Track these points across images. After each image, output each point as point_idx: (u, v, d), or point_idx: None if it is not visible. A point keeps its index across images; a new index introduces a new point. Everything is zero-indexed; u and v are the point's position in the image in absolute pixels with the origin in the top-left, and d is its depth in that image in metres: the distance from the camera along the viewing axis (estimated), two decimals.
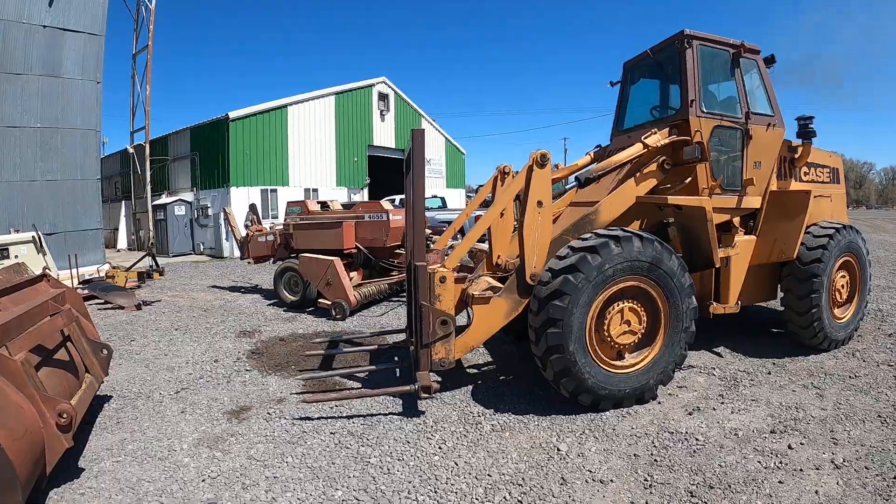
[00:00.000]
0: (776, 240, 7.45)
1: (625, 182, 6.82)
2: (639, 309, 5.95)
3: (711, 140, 7.09)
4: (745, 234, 7.58)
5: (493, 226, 7.01)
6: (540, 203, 5.93)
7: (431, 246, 8.71)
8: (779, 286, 7.91)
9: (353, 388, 6.11)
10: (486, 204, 8.62)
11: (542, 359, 5.74)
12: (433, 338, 5.63)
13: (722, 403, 5.97)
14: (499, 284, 6.45)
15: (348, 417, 5.72)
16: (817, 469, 4.57)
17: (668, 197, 6.76)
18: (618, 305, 5.85)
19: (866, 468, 4.58)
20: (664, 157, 6.92)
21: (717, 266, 6.94)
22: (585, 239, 5.77)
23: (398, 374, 6.60)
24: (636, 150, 6.79)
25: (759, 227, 7.58)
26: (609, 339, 5.85)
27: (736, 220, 7.48)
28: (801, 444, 5.01)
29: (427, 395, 5.60)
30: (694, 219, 6.72)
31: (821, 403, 5.93)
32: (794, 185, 8.10)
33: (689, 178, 7.09)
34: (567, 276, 5.51)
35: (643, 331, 6.01)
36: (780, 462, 4.69)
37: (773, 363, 7.23)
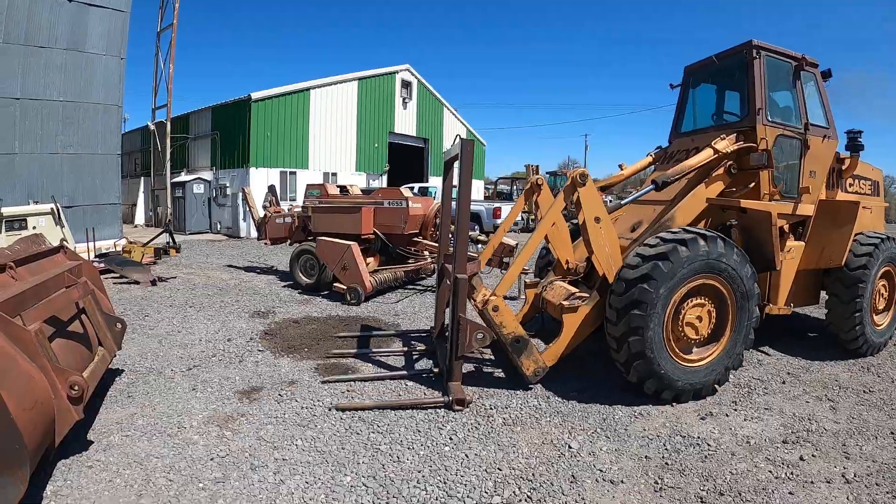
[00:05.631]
0: (825, 247, 7.69)
1: (697, 186, 7.14)
2: (709, 305, 6.17)
3: (774, 148, 7.26)
4: (795, 239, 7.80)
5: (549, 236, 7.11)
6: (597, 219, 6.29)
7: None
8: (821, 291, 8.19)
9: (386, 399, 6.05)
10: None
11: (624, 364, 5.96)
12: (468, 350, 5.77)
13: (735, 410, 5.89)
14: (574, 289, 7.07)
15: None
16: (828, 483, 4.49)
17: (741, 201, 7.02)
18: (691, 301, 6.07)
19: (877, 485, 4.49)
20: (731, 162, 7.23)
21: (778, 268, 7.15)
22: (654, 245, 5.95)
23: (424, 378, 6.53)
24: (707, 154, 7.07)
25: (809, 234, 7.83)
26: (683, 334, 6.06)
27: (786, 226, 7.56)
28: (812, 456, 4.93)
29: (461, 408, 5.61)
30: (759, 222, 6.92)
31: (834, 416, 5.84)
32: (841, 196, 8.33)
33: (753, 184, 7.31)
34: (642, 284, 5.73)
35: (712, 327, 6.26)
36: (792, 473, 4.62)
37: (788, 373, 7.14)
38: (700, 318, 6.12)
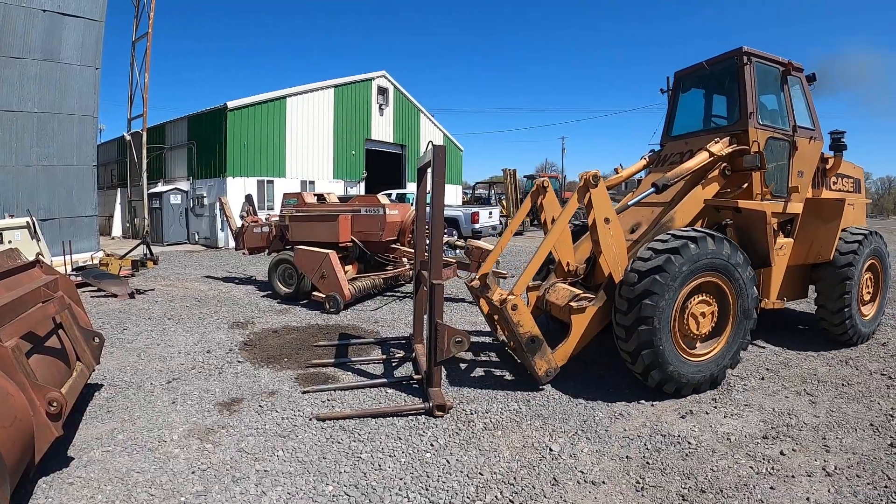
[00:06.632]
0: (813, 243, 8.03)
1: (693, 188, 7.44)
2: (711, 302, 6.44)
3: (765, 150, 7.60)
4: (784, 236, 8.16)
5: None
6: (607, 220, 6.51)
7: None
8: (810, 286, 8.61)
9: (366, 407, 6.05)
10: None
11: (632, 354, 6.13)
12: (447, 356, 5.79)
13: (715, 408, 5.98)
14: (578, 291, 7.27)
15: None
16: (809, 476, 4.57)
17: (738, 201, 7.40)
18: (696, 298, 6.33)
19: (858, 476, 4.58)
20: (725, 164, 7.56)
21: (773, 265, 7.45)
22: (665, 240, 6.22)
23: (404, 385, 6.58)
24: (703, 157, 7.40)
25: (797, 231, 8.18)
26: (688, 331, 6.32)
27: (776, 224, 7.86)
28: (793, 450, 5.02)
29: (441, 414, 5.65)
30: (754, 221, 7.24)
31: (813, 410, 5.94)
32: (826, 194, 8.84)
33: (746, 185, 7.68)
34: (655, 276, 5.96)
35: (714, 322, 6.52)
36: (772, 468, 4.69)
37: (767, 369, 7.25)
38: (704, 315, 6.37)
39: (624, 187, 16.33)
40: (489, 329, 8.68)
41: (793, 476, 4.57)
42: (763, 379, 6.90)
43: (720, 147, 7.51)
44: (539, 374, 6.29)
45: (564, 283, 7.64)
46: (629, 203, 7.84)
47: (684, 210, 7.31)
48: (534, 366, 6.26)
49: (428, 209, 6.17)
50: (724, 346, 6.50)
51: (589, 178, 6.49)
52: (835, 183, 9.19)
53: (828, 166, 8.88)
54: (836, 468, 4.70)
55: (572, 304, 6.83)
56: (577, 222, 8.28)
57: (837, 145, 8.70)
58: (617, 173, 9.01)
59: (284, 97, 27.32)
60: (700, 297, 6.34)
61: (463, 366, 7.32)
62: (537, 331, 6.30)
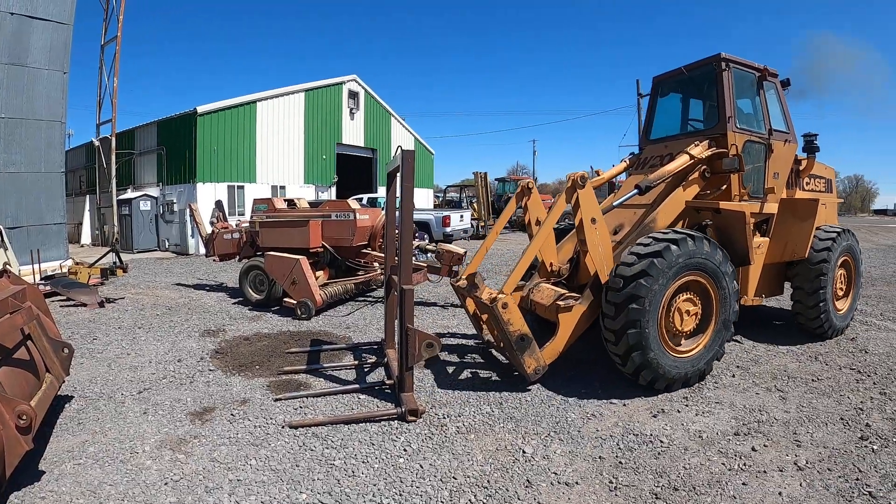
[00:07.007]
0: (788, 241, 8.30)
1: (675, 190, 7.68)
2: (696, 300, 6.67)
3: (743, 153, 7.90)
4: (761, 236, 8.41)
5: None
6: (594, 220, 6.69)
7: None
8: (786, 283, 8.96)
9: (339, 414, 6.05)
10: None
11: (622, 356, 6.33)
12: (418, 360, 5.84)
13: (686, 406, 6.08)
14: (562, 291, 7.41)
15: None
16: (780, 471, 4.68)
17: (719, 202, 7.64)
18: (681, 297, 6.55)
19: (829, 470, 4.70)
20: (705, 167, 7.82)
21: (752, 263, 7.64)
22: (647, 244, 6.39)
23: (376, 390, 6.58)
24: (684, 160, 7.62)
25: (773, 230, 8.44)
26: (674, 328, 6.54)
27: (752, 224, 8.05)
28: (764, 446, 5.13)
29: (414, 419, 5.67)
30: (733, 221, 7.42)
31: (784, 406, 6.07)
32: (800, 194, 9.19)
33: (725, 186, 7.98)
34: (640, 280, 6.13)
35: (698, 320, 6.74)
36: (744, 464, 4.79)
37: (738, 366, 7.39)
38: (688, 312, 6.59)
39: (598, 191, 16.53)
40: (462, 332, 8.76)
41: (764, 471, 4.67)
42: (734, 376, 7.03)
43: (700, 150, 7.73)
44: (528, 371, 6.41)
45: (548, 283, 7.77)
46: (614, 204, 7.99)
47: (666, 211, 7.56)
48: (523, 364, 6.38)
49: (398, 213, 6.20)
50: (708, 342, 6.73)
51: (577, 178, 6.66)
52: (808, 183, 9.52)
53: (801, 167, 9.21)
54: (807, 462, 4.82)
55: (559, 303, 6.96)
56: (556, 225, 8.39)
57: (810, 147, 9.09)
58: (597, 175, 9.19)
59: (255, 101, 27.20)
60: (685, 296, 6.55)
61: (436, 369, 7.36)
62: (527, 329, 6.40)
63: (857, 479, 4.54)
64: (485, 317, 7.55)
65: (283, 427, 5.52)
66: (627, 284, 6.14)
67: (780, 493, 4.33)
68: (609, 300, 6.30)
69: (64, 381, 5.60)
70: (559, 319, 6.63)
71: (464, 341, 8.67)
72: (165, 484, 4.45)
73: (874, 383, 6.79)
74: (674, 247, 6.24)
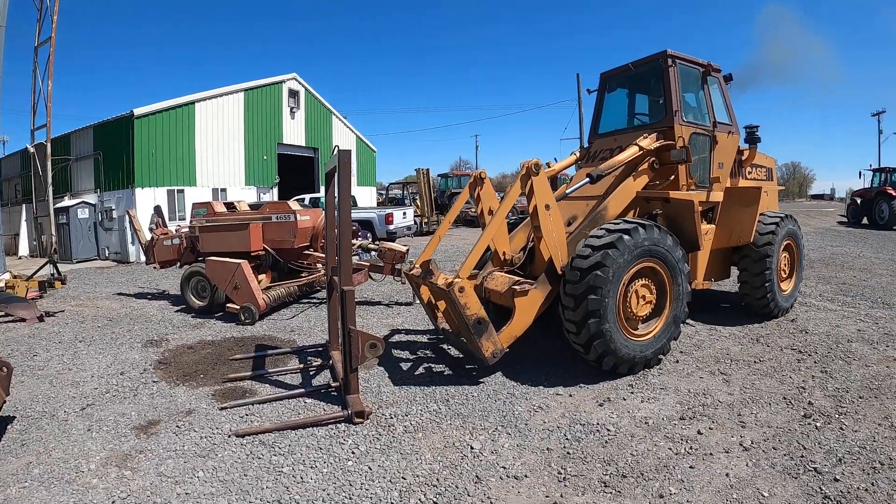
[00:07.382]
0: (734, 228, 8.81)
1: (625, 180, 7.98)
2: (650, 285, 6.98)
3: (689, 144, 8.30)
4: (707, 223, 8.74)
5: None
6: (547, 206, 6.96)
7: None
8: (732, 267, 9.49)
9: (286, 420, 5.95)
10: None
11: (584, 345, 6.56)
12: (362, 361, 5.84)
13: (632, 393, 6.22)
14: (516, 277, 7.57)
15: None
16: (727, 452, 4.83)
17: (669, 192, 7.96)
18: (637, 283, 6.84)
19: (774, 448, 4.90)
20: (654, 158, 8.18)
21: (701, 249, 7.91)
22: (600, 236, 6.60)
23: (322, 393, 6.58)
24: (633, 151, 7.95)
25: (718, 217, 8.87)
26: (631, 314, 6.82)
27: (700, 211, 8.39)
28: (709, 429, 5.29)
29: (361, 421, 5.68)
30: (683, 210, 7.72)
31: (728, 388, 6.27)
32: (743, 183, 9.71)
33: (672, 177, 8.31)
34: (596, 271, 6.34)
35: (653, 304, 7.06)
36: (691, 448, 4.93)
37: (681, 352, 7.58)
38: (644, 297, 6.90)
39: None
40: (407, 329, 8.75)
41: (711, 454, 4.85)
42: (677, 362, 7.23)
43: (649, 142, 8.07)
44: (486, 355, 6.49)
45: (502, 272, 7.91)
46: (567, 192, 8.15)
47: (617, 200, 7.85)
48: (480, 347, 6.45)
49: (336, 214, 6.14)
50: (664, 324, 7.05)
51: (531, 166, 6.90)
52: (750, 172, 10.02)
53: (744, 157, 9.68)
54: (752, 442, 5.01)
55: (515, 287, 7.06)
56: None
57: (752, 138, 9.47)
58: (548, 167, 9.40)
59: (193, 102, 26.69)
60: (641, 282, 6.85)
61: (383, 369, 7.44)
62: (483, 313, 6.50)
63: (802, 457, 4.71)
64: (440, 304, 7.71)
65: (229, 436, 5.50)
66: (584, 276, 6.35)
67: (727, 475, 4.46)
68: (568, 292, 6.50)
69: (5, 402, 5.48)
70: (515, 304, 6.76)
71: (410, 337, 8.76)
72: (113, 502, 4.40)
73: (815, 362, 7.03)
74: (626, 237, 6.45)
